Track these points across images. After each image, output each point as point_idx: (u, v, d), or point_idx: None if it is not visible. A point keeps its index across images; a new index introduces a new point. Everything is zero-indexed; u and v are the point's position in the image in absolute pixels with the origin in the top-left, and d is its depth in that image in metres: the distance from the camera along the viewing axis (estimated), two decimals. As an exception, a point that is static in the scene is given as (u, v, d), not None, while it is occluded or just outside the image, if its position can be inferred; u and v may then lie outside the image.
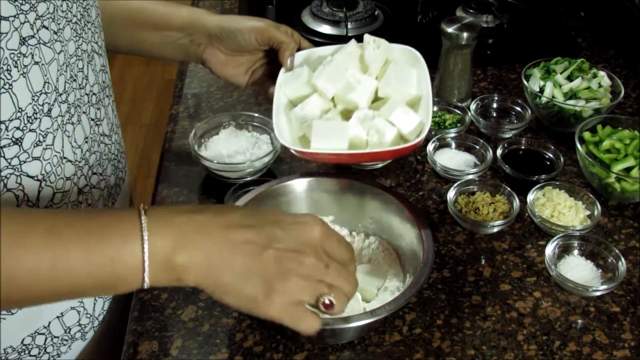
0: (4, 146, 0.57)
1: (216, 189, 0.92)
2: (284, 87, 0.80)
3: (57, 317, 0.70)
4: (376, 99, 0.79)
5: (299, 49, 0.83)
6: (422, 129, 0.72)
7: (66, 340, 0.72)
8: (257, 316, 0.56)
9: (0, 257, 0.47)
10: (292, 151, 0.72)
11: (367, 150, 0.73)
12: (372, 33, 1.28)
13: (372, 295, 0.74)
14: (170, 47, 0.83)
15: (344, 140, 0.72)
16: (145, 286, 0.51)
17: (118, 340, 0.77)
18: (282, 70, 0.81)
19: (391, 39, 1.31)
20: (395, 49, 0.80)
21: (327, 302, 0.56)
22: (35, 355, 0.69)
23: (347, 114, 0.78)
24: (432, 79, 1.10)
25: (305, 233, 0.56)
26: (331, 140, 0.73)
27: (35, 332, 0.68)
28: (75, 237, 0.49)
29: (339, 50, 0.81)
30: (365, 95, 0.77)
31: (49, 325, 0.69)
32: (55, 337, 0.70)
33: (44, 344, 0.69)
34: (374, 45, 0.77)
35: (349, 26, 1.26)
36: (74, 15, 0.63)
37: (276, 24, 0.82)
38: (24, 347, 0.67)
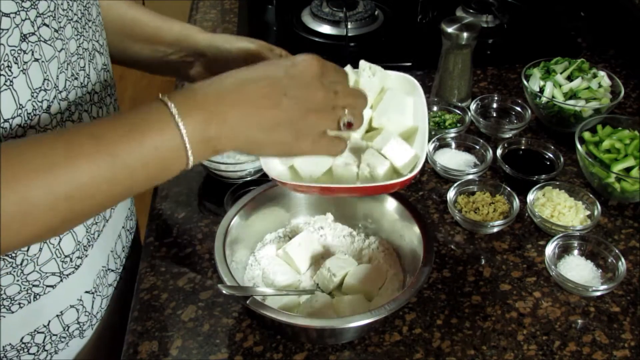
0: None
1: (216, 189, 0.92)
2: None
3: (57, 315, 0.70)
4: (370, 129, 0.75)
5: None
6: (416, 163, 0.68)
7: (64, 337, 0.72)
8: (295, 156, 0.64)
9: (62, 171, 0.50)
10: (278, 184, 0.68)
11: (356, 185, 0.69)
12: (372, 33, 1.29)
13: (373, 295, 0.74)
14: (159, 62, 0.82)
15: (327, 164, 0.70)
16: (191, 163, 0.56)
17: (117, 339, 0.77)
18: None
19: (391, 39, 1.31)
20: (391, 76, 0.76)
21: (347, 122, 0.61)
22: (33, 354, 0.69)
23: None
24: (432, 79, 1.10)
25: (307, 72, 0.59)
26: (316, 166, 0.70)
27: (35, 330, 0.68)
28: (120, 137, 0.53)
29: None
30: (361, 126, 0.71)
31: (48, 324, 0.69)
32: (54, 335, 0.70)
33: (43, 342, 0.69)
34: (370, 72, 0.73)
35: (349, 26, 1.26)
36: (75, 14, 0.63)
37: (270, 46, 0.79)
38: (23, 345, 0.67)
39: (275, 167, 0.70)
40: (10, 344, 0.66)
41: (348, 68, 0.74)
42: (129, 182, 0.54)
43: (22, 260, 0.63)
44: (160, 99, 0.56)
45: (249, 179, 0.91)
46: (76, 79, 0.64)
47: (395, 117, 0.72)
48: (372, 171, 0.68)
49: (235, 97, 0.57)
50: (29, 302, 0.66)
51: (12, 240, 0.50)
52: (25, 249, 0.62)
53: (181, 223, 0.87)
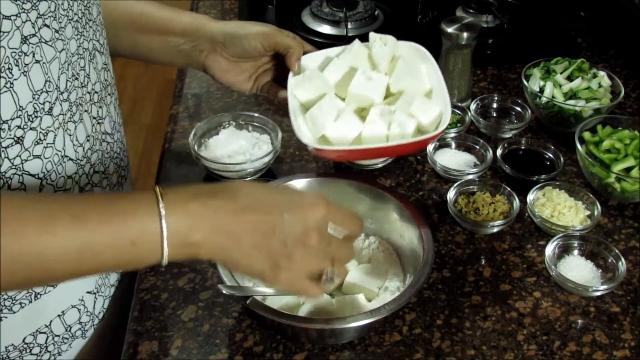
0: (7, 146, 0.57)
1: (216, 189, 0.91)
2: (295, 91, 0.79)
3: (59, 315, 0.70)
4: (388, 95, 0.79)
5: (304, 53, 0.82)
6: (441, 119, 0.73)
7: (67, 338, 0.72)
8: (268, 285, 0.62)
9: (30, 242, 0.50)
10: (314, 151, 0.71)
11: (392, 144, 0.72)
12: (372, 33, 1.29)
13: (373, 295, 0.74)
14: (171, 53, 0.83)
15: (357, 129, 0.74)
16: (164, 263, 0.55)
17: (118, 339, 0.77)
18: (290, 74, 0.80)
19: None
20: (401, 45, 0.80)
21: (328, 277, 0.61)
22: (36, 354, 0.69)
23: (360, 113, 0.77)
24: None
25: (310, 216, 0.59)
26: (347, 131, 0.73)
27: (37, 330, 0.68)
28: (99, 223, 0.52)
29: (344, 51, 0.81)
30: (379, 90, 0.76)
31: (50, 324, 0.69)
32: (56, 335, 0.70)
33: (45, 342, 0.69)
34: (381, 43, 0.77)
35: (349, 26, 1.26)
36: (75, 14, 0.63)
37: (279, 29, 0.81)
38: (25, 346, 0.67)
39: (307, 135, 0.74)
40: (12, 344, 0.66)
41: (357, 42, 0.79)
42: (96, 267, 0.54)
43: None
44: (154, 190, 0.55)
45: (249, 179, 0.91)
46: (76, 79, 0.64)
47: (411, 82, 0.76)
48: (403, 130, 0.72)
49: (229, 215, 0.56)
50: (30, 302, 0.66)
51: None
52: None
53: (181, 223, 0.87)
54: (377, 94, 0.76)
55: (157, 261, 0.55)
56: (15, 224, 0.49)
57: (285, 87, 0.82)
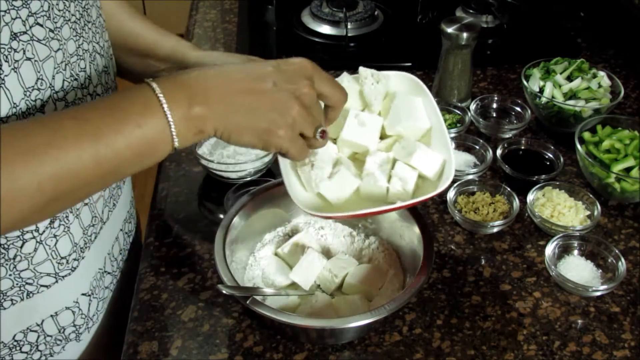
0: None
1: (216, 189, 0.92)
2: None
3: (51, 315, 0.69)
4: (383, 136, 0.72)
5: None
6: (444, 168, 0.67)
7: (60, 340, 0.71)
8: (269, 150, 0.61)
9: (45, 151, 0.50)
10: (312, 215, 0.66)
11: (397, 205, 0.65)
12: (372, 33, 1.29)
13: (372, 295, 0.74)
14: (150, 77, 0.81)
15: (353, 186, 0.68)
16: (176, 144, 0.56)
17: (115, 343, 0.76)
18: None
19: (391, 39, 1.30)
20: (392, 77, 0.73)
21: (323, 135, 0.62)
22: (26, 352, 0.69)
23: (354, 156, 0.72)
24: (432, 79, 1.10)
25: (297, 69, 0.60)
26: (342, 190, 0.68)
27: (28, 328, 0.68)
28: (103, 117, 0.53)
29: None
30: (373, 136, 0.70)
31: (42, 323, 0.69)
32: (48, 335, 0.70)
33: (36, 341, 0.69)
34: (372, 80, 0.71)
35: (348, 26, 1.26)
36: (73, 15, 0.63)
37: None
38: (15, 343, 0.67)
39: (301, 195, 0.68)
40: (2, 341, 0.66)
41: (345, 75, 0.71)
42: (115, 162, 0.54)
43: (15, 256, 0.62)
44: (145, 81, 0.56)
45: (249, 179, 0.91)
46: (76, 79, 0.64)
47: (409, 124, 0.69)
48: (404, 185, 0.67)
49: (220, 80, 0.58)
50: (22, 300, 0.65)
51: None
52: (19, 245, 0.62)
53: (181, 223, 0.87)
54: (372, 140, 0.70)
55: (169, 142, 0.55)
56: (25, 140, 0.50)
57: None
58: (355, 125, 0.69)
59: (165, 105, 0.54)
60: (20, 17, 0.55)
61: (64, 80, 0.62)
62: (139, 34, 0.81)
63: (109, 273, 0.77)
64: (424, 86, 0.72)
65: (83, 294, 0.72)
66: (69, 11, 0.62)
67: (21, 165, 0.49)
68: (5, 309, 0.65)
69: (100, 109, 0.54)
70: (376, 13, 1.33)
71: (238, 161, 0.90)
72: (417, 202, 0.65)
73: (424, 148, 0.67)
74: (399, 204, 0.65)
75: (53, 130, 0.51)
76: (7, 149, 0.49)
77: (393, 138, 0.71)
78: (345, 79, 0.72)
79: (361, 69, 0.72)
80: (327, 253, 0.80)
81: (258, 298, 0.68)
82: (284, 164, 0.69)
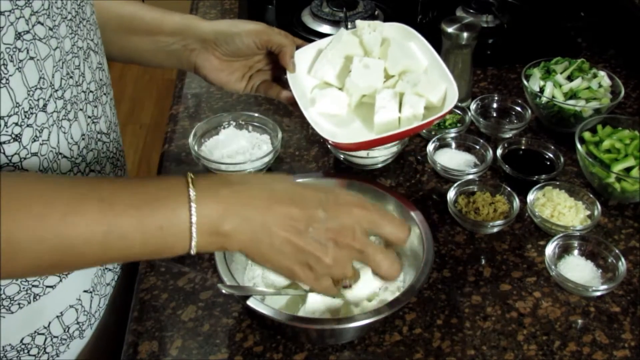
0: (4, 142, 0.57)
1: (216, 189, 0.91)
2: (318, 73, 0.81)
3: (57, 316, 0.70)
4: (387, 78, 0.80)
5: (298, 47, 0.82)
6: (446, 95, 0.75)
7: (65, 339, 0.72)
8: (291, 280, 0.63)
9: (57, 224, 0.49)
10: (331, 145, 0.73)
11: (407, 127, 0.72)
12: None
13: (373, 295, 0.73)
14: (162, 54, 0.82)
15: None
16: (192, 252, 0.54)
17: (116, 340, 0.77)
18: (288, 73, 0.80)
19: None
20: (388, 27, 0.81)
21: (346, 284, 0.62)
22: (34, 355, 0.69)
23: (362, 102, 0.80)
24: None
25: (347, 213, 0.57)
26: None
27: (35, 332, 0.68)
28: (128, 207, 0.52)
29: (332, 41, 0.82)
30: (379, 76, 0.78)
31: (49, 325, 0.69)
32: (54, 336, 0.70)
33: (44, 344, 0.69)
34: (370, 29, 0.78)
35: (349, 26, 1.26)
36: (69, 12, 0.63)
37: (270, 27, 0.80)
38: (23, 347, 0.67)
39: (325, 129, 0.76)
40: (10, 344, 0.66)
41: (343, 30, 0.80)
42: (123, 252, 0.53)
43: None
44: (185, 177, 0.54)
45: (249, 179, 0.91)
46: (71, 77, 0.64)
47: (409, 62, 0.77)
48: (415, 110, 0.73)
49: (262, 204, 0.55)
50: (29, 303, 0.66)
51: None
52: None
53: (181, 223, 0.87)
54: (378, 80, 0.78)
55: (185, 250, 0.54)
56: (41, 205, 0.49)
57: (282, 86, 0.82)
58: (361, 69, 0.77)
59: (194, 218, 0.52)
60: (23, 17, 0.55)
61: (61, 78, 0.62)
62: (141, 14, 0.82)
63: (109, 269, 0.77)
64: (416, 32, 0.81)
65: (85, 291, 0.73)
66: (66, 9, 0.62)
67: (28, 230, 0.49)
68: (12, 313, 0.65)
69: (128, 198, 0.52)
70: (376, 13, 1.33)
71: (238, 161, 0.90)
72: (430, 122, 0.73)
73: (428, 77, 0.76)
74: (415, 124, 0.73)
75: (74, 203, 0.50)
76: (21, 207, 0.48)
77: (395, 78, 0.78)
78: (344, 33, 0.80)
79: (358, 21, 0.80)
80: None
81: (258, 298, 0.68)
82: (302, 103, 0.77)
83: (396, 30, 0.81)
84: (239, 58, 0.82)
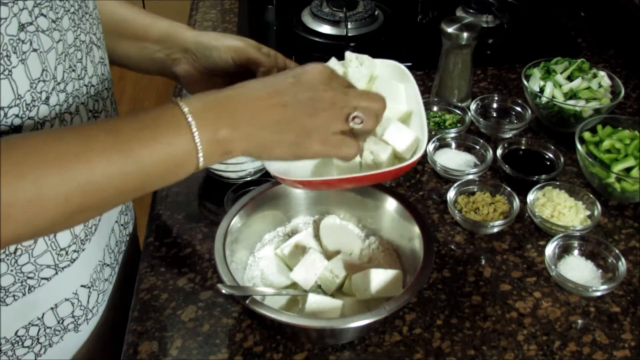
0: (3, 132, 0.57)
1: (216, 189, 0.92)
2: None
3: (51, 308, 0.70)
4: None
5: (280, 70, 0.78)
6: (418, 145, 0.68)
7: (58, 331, 0.72)
8: (305, 158, 0.62)
9: (73, 163, 0.51)
10: (279, 180, 0.67)
11: (362, 174, 0.67)
12: (372, 33, 1.29)
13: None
14: (146, 60, 0.81)
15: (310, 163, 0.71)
16: (201, 164, 0.56)
17: (116, 339, 0.77)
18: None
19: (391, 39, 1.30)
20: (379, 64, 0.75)
21: (357, 118, 0.61)
22: (28, 347, 0.69)
23: None
24: (432, 79, 1.10)
25: (314, 76, 0.61)
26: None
27: (30, 323, 0.68)
28: (134, 133, 0.54)
29: None
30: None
31: (42, 317, 0.69)
32: (47, 327, 0.70)
33: (37, 334, 0.69)
34: (357, 63, 0.73)
35: (349, 26, 1.26)
36: (72, 5, 0.63)
37: (257, 44, 0.78)
38: (17, 339, 0.67)
39: (274, 163, 0.68)
40: (4, 337, 0.66)
41: (333, 60, 0.74)
42: (141, 178, 0.55)
43: (16, 249, 0.62)
44: (173, 101, 0.57)
45: (249, 179, 0.91)
46: (74, 70, 0.64)
47: (389, 104, 0.70)
48: (376, 158, 0.68)
49: (244, 100, 0.58)
50: (24, 295, 0.66)
51: (23, 231, 0.51)
52: None
53: (181, 223, 0.87)
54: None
55: (194, 163, 0.56)
56: (54, 150, 0.51)
57: None
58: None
59: (194, 127, 0.55)
60: (27, 8, 0.55)
61: (64, 71, 0.62)
62: (131, 19, 0.81)
63: (108, 265, 0.77)
64: (409, 74, 0.75)
65: (82, 286, 0.72)
66: (69, 2, 0.63)
67: (50, 173, 0.50)
68: (7, 305, 0.65)
69: (132, 125, 0.55)
70: (376, 13, 1.33)
71: (238, 161, 0.90)
72: (390, 172, 0.66)
73: (398, 124, 0.69)
74: (373, 172, 0.66)
75: (84, 142, 0.52)
76: (38, 156, 0.50)
77: None
78: (332, 63, 0.74)
79: (347, 53, 0.75)
80: (326, 253, 0.80)
81: (258, 298, 0.68)
82: None
83: (388, 68, 0.76)
84: (219, 73, 0.79)
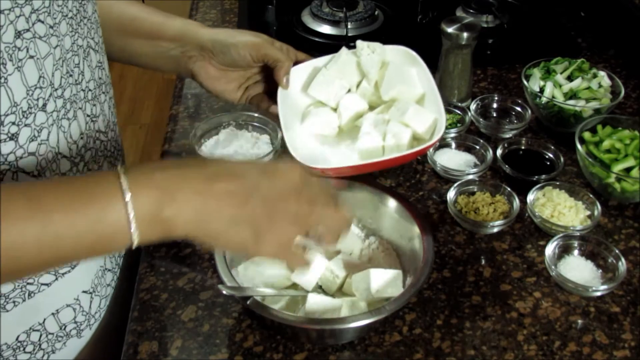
0: (0, 140, 0.57)
1: (216, 189, 0.91)
2: (312, 91, 0.79)
3: (53, 313, 0.69)
4: (381, 104, 0.78)
5: (295, 63, 0.81)
6: (436, 126, 0.71)
7: (61, 337, 0.72)
8: (256, 255, 0.61)
9: None
10: (309, 169, 0.68)
11: (388, 157, 0.69)
12: (372, 33, 1.29)
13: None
14: (161, 58, 0.82)
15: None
16: (135, 243, 0.51)
17: (117, 340, 0.77)
18: (279, 88, 0.79)
19: (391, 39, 1.30)
20: (389, 50, 0.78)
21: (315, 241, 0.59)
22: (30, 352, 0.69)
23: (353, 125, 0.78)
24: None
25: (287, 180, 0.57)
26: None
27: (31, 328, 0.68)
28: (58, 203, 0.49)
29: (332, 60, 0.80)
30: (363, 102, 0.76)
31: (44, 322, 0.69)
32: (50, 333, 0.70)
33: (39, 340, 0.69)
34: (369, 50, 0.75)
35: (349, 26, 1.26)
36: (70, 10, 0.63)
37: (271, 39, 0.79)
38: (18, 344, 0.67)
39: (298, 150, 0.72)
40: (6, 342, 0.66)
41: (344, 50, 0.76)
42: (57, 251, 0.50)
43: None
44: (115, 171, 0.52)
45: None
46: (71, 75, 0.64)
47: (403, 88, 0.74)
48: (398, 141, 0.70)
49: (199, 186, 0.53)
50: (24, 300, 0.65)
51: None
52: None
53: (181, 223, 0.87)
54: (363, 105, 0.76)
55: (126, 242, 0.51)
56: None
57: (275, 101, 0.81)
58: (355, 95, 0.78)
59: (130, 206, 0.50)
60: (23, 15, 0.55)
61: (61, 77, 0.62)
62: (143, 17, 0.81)
63: (109, 270, 0.77)
64: (419, 58, 0.77)
65: (84, 292, 0.72)
66: (67, 7, 0.62)
67: None
68: (7, 311, 0.65)
69: (58, 194, 0.50)
70: (376, 13, 1.33)
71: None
72: (414, 153, 0.69)
73: (417, 107, 0.72)
74: (394, 155, 0.69)
75: (4, 205, 0.48)
76: None
77: (389, 104, 0.75)
78: (343, 53, 0.78)
79: (358, 42, 0.77)
80: (326, 253, 0.79)
81: (258, 298, 0.68)
82: (284, 121, 0.75)
83: (398, 54, 0.79)
84: (236, 69, 0.81)
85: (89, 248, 0.51)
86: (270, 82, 0.83)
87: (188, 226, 0.53)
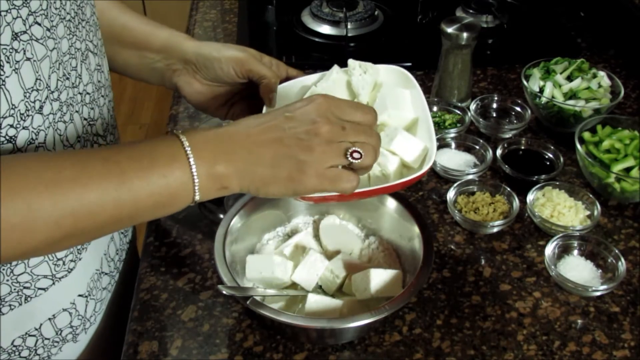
0: None
1: (216, 189, 0.91)
2: None
3: (49, 318, 0.69)
4: None
5: (285, 80, 0.77)
6: (427, 154, 0.67)
7: (57, 342, 0.71)
8: (301, 196, 0.61)
9: (68, 187, 0.50)
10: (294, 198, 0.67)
11: (372, 187, 0.66)
12: (372, 33, 1.29)
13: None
14: (146, 70, 0.80)
15: None
16: (197, 198, 0.56)
17: (115, 344, 0.76)
18: (265, 107, 0.74)
19: (391, 39, 1.30)
20: (382, 70, 0.74)
21: (355, 153, 0.59)
22: (25, 357, 0.68)
23: None
24: (432, 79, 1.10)
25: (311, 109, 0.59)
26: None
27: (27, 333, 0.67)
28: (131, 162, 0.54)
29: (323, 78, 0.75)
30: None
31: (40, 327, 0.68)
32: (46, 338, 0.70)
33: (35, 345, 0.69)
34: (360, 70, 0.72)
35: (348, 26, 1.26)
36: (68, 13, 0.62)
37: (259, 54, 0.77)
38: (14, 349, 0.67)
39: None
40: (1, 346, 0.66)
41: (335, 68, 0.73)
42: (133, 208, 0.54)
43: None
44: (174, 133, 0.57)
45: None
46: (67, 78, 0.63)
47: (395, 112, 0.70)
48: (383, 170, 0.67)
49: (240, 136, 0.58)
50: (20, 304, 0.65)
51: (10, 252, 0.50)
52: None
53: (181, 223, 0.87)
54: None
55: (190, 196, 0.56)
56: (51, 172, 0.50)
57: None
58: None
59: (191, 160, 0.55)
60: (20, 17, 0.55)
61: (57, 79, 0.61)
62: (132, 27, 0.80)
63: (106, 274, 0.77)
64: (414, 79, 0.73)
65: (80, 295, 0.72)
66: (65, 9, 0.62)
67: (44, 196, 0.49)
68: (4, 314, 0.64)
69: (129, 154, 0.55)
70: (376, 13, 1.33)
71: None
72: (401, 184, 0.65)
73: (405, 134, 0.68)
74: (382, 185, 0.65)
75: (80, 167, 0.52)
76: (33, 178, 0.49)
77: (379, 128, 0.71)
78: (334, 71, 0.73)
79: (350, 61, 0.73)
80: (326, 253, 0.80)
81: (258, 298, 0.68)
82: None
83: (392, 74, 0.75)
84: (221, 84, 0.79)
85: (159, 203, 0.55)
86: (257, 99, 0.77)
87: (238, 178, 0.57)
